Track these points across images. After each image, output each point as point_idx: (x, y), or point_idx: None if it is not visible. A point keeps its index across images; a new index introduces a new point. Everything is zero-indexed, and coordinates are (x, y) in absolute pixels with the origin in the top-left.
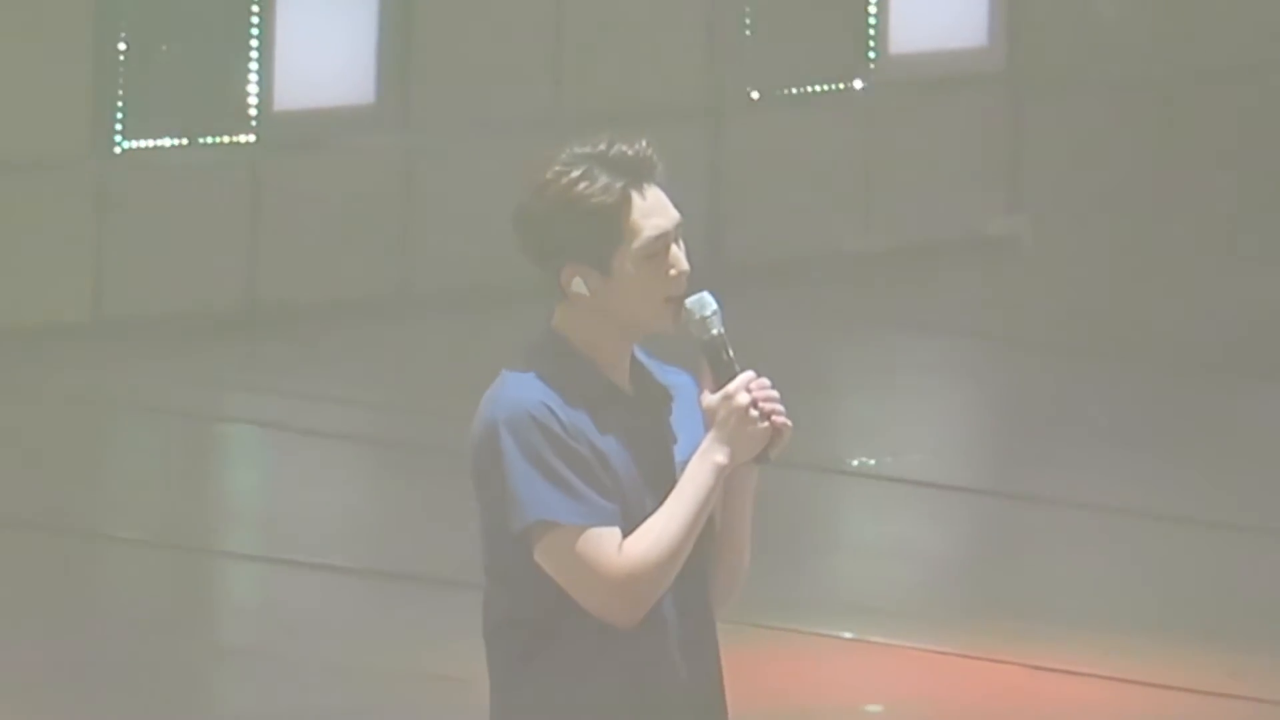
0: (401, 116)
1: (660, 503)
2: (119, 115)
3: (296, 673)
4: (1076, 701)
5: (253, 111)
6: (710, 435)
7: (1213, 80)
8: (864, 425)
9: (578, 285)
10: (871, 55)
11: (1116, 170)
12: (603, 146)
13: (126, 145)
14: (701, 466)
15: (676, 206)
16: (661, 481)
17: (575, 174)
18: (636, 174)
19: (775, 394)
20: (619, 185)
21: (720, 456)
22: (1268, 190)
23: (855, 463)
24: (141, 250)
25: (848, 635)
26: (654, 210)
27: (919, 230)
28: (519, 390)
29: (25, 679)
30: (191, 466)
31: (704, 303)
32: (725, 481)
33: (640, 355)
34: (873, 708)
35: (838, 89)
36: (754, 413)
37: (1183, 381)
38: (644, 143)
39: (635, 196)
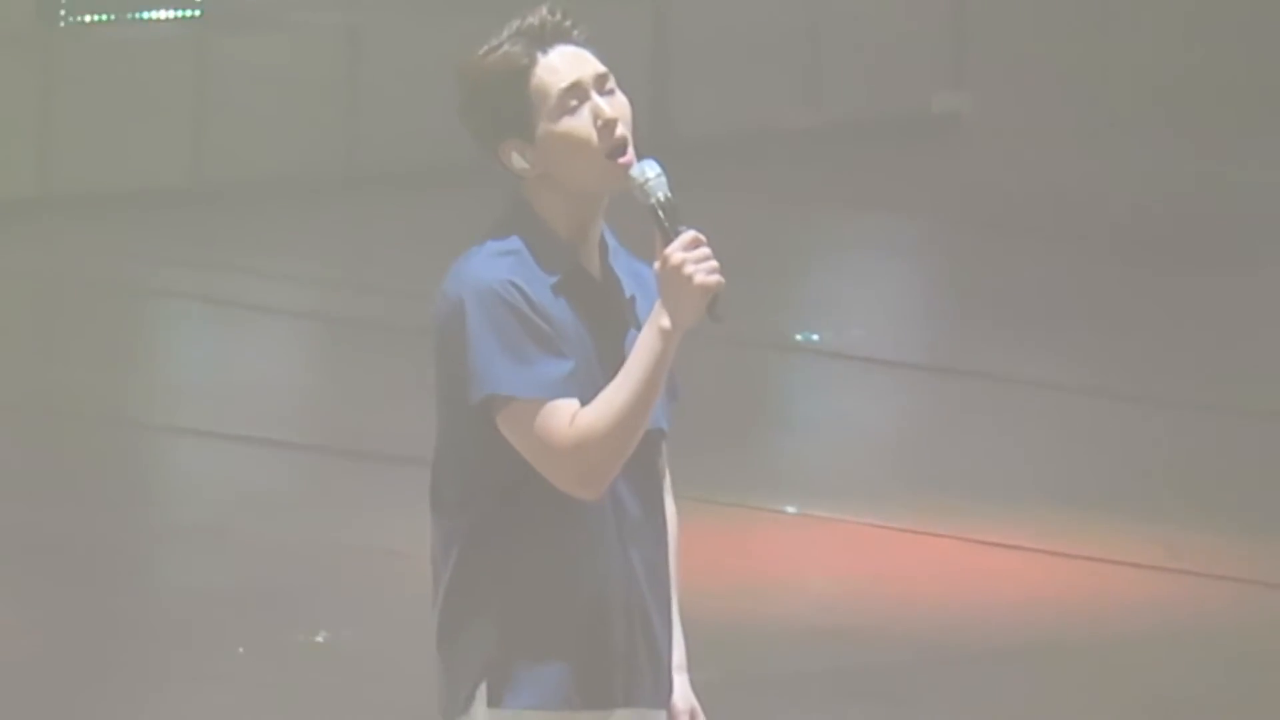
0: None
1: None
2: None
3: (246, 548)
4: (1015, 576)
5: None
6: (657, 302)
7: None
8: (807, 301)
9: (516, 160)
10: None
11: (1060, 47)
12: (515, 21)
13: (71, 19)
14: (648, 333)
15: (615, 77)
16: (620, 364)
17: (482, 52)
18: (542, 39)
19: (706, 251)
20: (520, 50)
21: (664, 321)
22: (1220, 66)
23: (799, 338)
24: (87, 125)
25: (790, 510)
26: (561, 66)
27: (863, 106)
28: (486, 266)
29: None
30: (138, 342)
31: (644, 168)
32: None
33: (611, 241)
34: (815, 581)
35: None
36: (688, 270)
37: (1124, 260)
38: (550, 8)
39: (540, 57)
